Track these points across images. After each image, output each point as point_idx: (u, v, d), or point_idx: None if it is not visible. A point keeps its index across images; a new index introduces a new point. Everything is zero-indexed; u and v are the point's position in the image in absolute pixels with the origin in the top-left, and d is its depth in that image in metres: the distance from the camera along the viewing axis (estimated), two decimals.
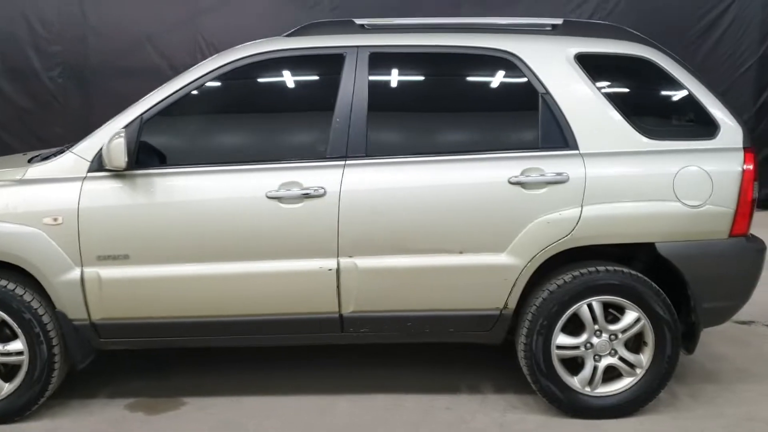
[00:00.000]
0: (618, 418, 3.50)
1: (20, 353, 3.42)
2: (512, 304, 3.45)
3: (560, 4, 8.14)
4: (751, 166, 3.42)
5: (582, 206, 3.36)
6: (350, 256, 3.38)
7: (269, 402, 3.70)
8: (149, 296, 3.40)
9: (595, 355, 3.47)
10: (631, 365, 3.48)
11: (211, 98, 3.60)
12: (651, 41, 3.64)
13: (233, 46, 3.64)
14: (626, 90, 3.73)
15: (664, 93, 3.65)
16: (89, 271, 3.35)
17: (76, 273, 3.34)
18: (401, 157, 3.45)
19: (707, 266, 3.46)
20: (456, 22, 3.85)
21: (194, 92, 3.46)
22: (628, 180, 3.42)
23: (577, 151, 3.41)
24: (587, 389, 3.49)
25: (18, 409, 3.46)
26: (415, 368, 4.08)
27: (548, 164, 3.39)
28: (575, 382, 3.49)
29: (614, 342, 3.46)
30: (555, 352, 3.46)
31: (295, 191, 3.33)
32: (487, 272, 3.41)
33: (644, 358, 3.49)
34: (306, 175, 3.36)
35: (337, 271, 3.37)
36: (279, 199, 3.33)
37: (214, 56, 3.55)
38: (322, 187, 3.33)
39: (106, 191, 3.34)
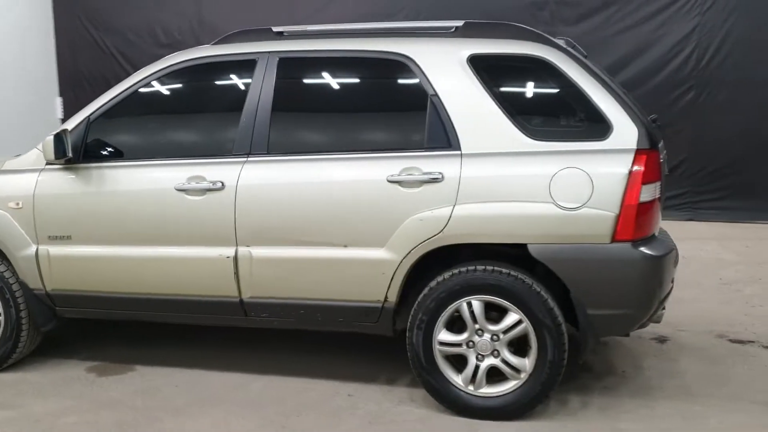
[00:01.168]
0: (501, 421, 3.49)
1: None
2: (392, 298, 3.56)
3: None
4: (640, 168, 3.26)
5: (454, 205, 3.40)
6: (247, 246, 3.68)
7: (196, 375, 4.11)
8: (86, 272, 3.95)
9: (477, 355, 3.49)
10: (515, 368, 3.46)
11: (144, 101, 4.05)
12: (551, 40, 3.56)
13: None
14: (517, 90, 3.69)
15: (557, 93, 3.55)
16: (42, 248, 3.96)
17: (32, 250, 3.97)
18: (295, 155, 3.70)
19: (586, 271, 3.34)
20: (366, 27, 3.98)
21: (131, 95, 3.95)
22: (503, 180, 3.40)
23: (458, 152, 3.45)
24: (470, 388, 3.51)
25: None
26: (348, 358, 4.28)
27: (426, 164, 3.47)
28: (459, 380, 3.52)
29: (496, 343, 3.46)
30: (437, 347, 3.52)
31: (198, 184, 3.70)
32: (368, 266, 3.55)
33: (528, 362, 3.44)
34: (210, 170, 3.72)
35: (235, 259, 3.70)
36: (185, 191, 3.72)
37: (153, 63, 4.01)
38: (221, 182, 3.67)
39: (55, 181, 3.93)
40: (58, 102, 10.19)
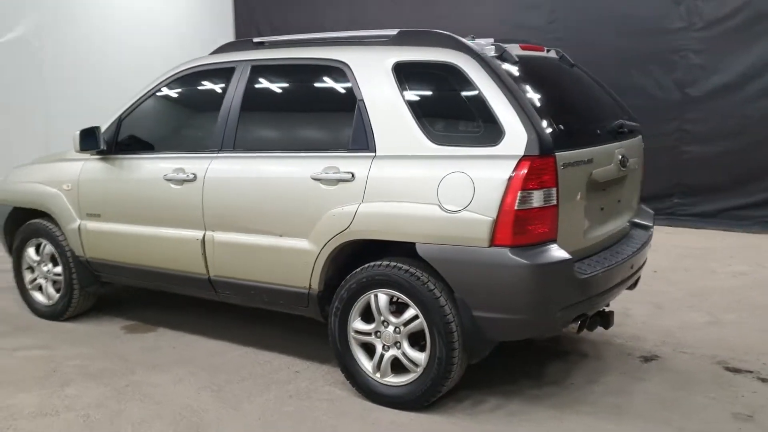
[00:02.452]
0: (401, 410, 3.67)
1: (59, 275, 5.11)
2: (315, 285, 3.88)
3: None
4: (522, 174, 3.26)
5: (360, 204, 3.65)
6: (212, 230, 4.24)
7: (195, 339, 4.77)
8: (108, 244, 4.77)
9: (384, 345, 3.70)
10: (413, 362, 3.62)
11: (155, 103, 4.73)
12: (469, 46, 3.59)
13: None
14: (428, 96, 3.78)
15: (462, 99, 3.58)
16: (82, 223, 4.85)
17: (76, 224, 4.87)
18: (249, 152, 4.17)
19: (467, 273, 3.41)
20: (326, 36, 4.27)
21: (148, 98, 4.69)
22: (401, 182, 3.58)
23: (372, 154, 3.69)
24: (377, 375, 3.74)
25: (58, 313, 5.16)
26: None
27: (344, 164, 3.75)
28: (369, 367, 3.76)
29: (398, 335, 3.65)
30: (351, 335, 3.79)
31: (178, 175, 4.31)
32: (296, 255, 3.91)
33: (423, 357, 3.59)
34: (189, 163, 4.32)
35: (203, 241, 4.27)
36: (170, 180, 4.36)
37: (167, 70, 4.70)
38: (194, 173, 4.26)
39: (93, 169, 4.79)
40: None
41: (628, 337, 4.70)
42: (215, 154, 4.25)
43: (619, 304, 4.87)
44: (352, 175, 3.69)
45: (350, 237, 3.71)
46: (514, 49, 3.88)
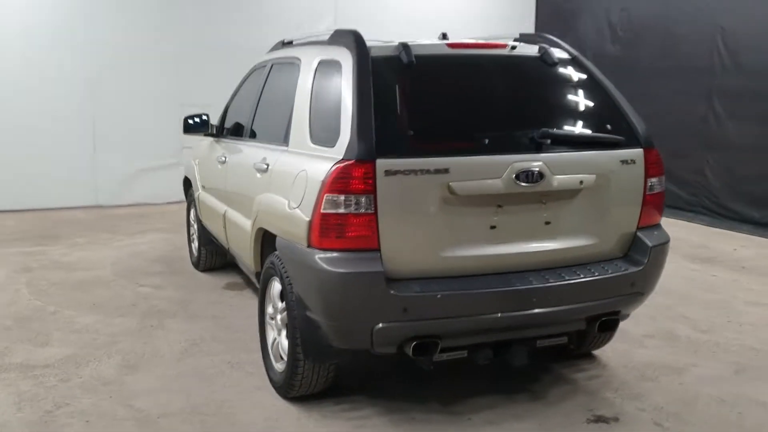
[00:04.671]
0: (278, 395, 3.83)
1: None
2: (255, 266, 4.20)
3: None
4: (332, 177, 3.15)
5: (263, 194, 3.88)
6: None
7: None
8: (205, 212, 5.69)
9: (277, 330, 3.89)
10: (284, 350, 3.75)
11: (241, 94, 5.40)
12: (358, 47, 3.45)
13: None
14: (322, 94, 3.67)
15: (334, 98, 3.45)
16: (200, 192, 5.88)
17: (198, 193, 5.93)
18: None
19: (296, 271, 3.45)
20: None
21: (239, 90, 5.44)
22: (279, 176, 3.74)
23: (286, 147, 3.87)
24: (272, 359, 3.94)
25: (195, 264, 6.35)
26: None
27: (270, 155, 4.00)
28: (270, 351, 3.98)
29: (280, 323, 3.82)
30: (266, 317, 4.04)
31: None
32: (244, 232, 4.29)
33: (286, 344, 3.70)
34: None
35: (224, 214, 4.91)
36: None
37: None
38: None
39: (207, 148, 5.75)
40: None
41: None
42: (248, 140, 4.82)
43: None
44: (267, 167, 3.95)
45: (258, 224, 3.98)
46: (438, 48, 3.62)
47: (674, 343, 4.68)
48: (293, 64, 4.19)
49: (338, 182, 3.15)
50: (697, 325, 5.00)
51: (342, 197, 3.15)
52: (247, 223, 4.27)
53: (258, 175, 4.09)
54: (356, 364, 4.01)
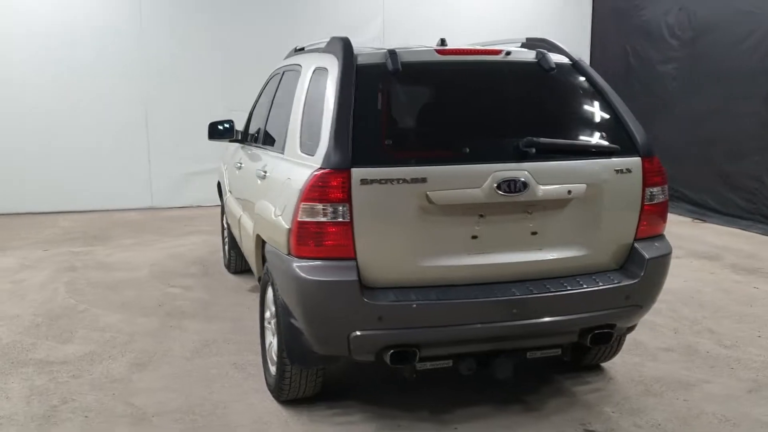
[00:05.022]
0: (272, 396, 3.90)
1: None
2: (259, 272, 4.28)
3: None
4: (309, 185, 3.18)
5: (261, 200, 3.95)
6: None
7: None
8: (229, 217, 5.83)
9: (273, 334, 3.95)
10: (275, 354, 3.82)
11: (260, 101, 5.49)
12: (346, 55, 3.46)
13: None
14: (313, 102, 3.67)
15: (319, 106, 3.48)
16: (227, 196, 6.02)
17: (227, 197, 6.08)
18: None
19: (279, 278, 3.48)
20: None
21: (259, 98, 5.55)
22: (274, 184, 3.79)
23: (282, 155, 3.93)
24: (268, 362, 4.00)
25: (226, 264, 6.51)
26: None
27: (269, 162, 4.08)
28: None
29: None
30: (265, 321, 4.12)
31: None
32: (251, 239, 4.36)
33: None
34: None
35: (239, 219, 5.02)
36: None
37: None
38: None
39: (233, 153, 5.89)
40: None
41: None
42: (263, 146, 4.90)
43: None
44: (265, 174, 4.02)
45: (256, 231, 4.06)
46: (427, 55, 3.61)
47: (691, 357, 4.50)
48: (296, 71, 4.25)
49: (314, 190, 3.18)
50: (722, 340, 4.79)
51: (319, 206, 3.18)
52: (251, 229, 4.36)
53: (259, 181, 4.17)
54: (355, 369, 4.08)
